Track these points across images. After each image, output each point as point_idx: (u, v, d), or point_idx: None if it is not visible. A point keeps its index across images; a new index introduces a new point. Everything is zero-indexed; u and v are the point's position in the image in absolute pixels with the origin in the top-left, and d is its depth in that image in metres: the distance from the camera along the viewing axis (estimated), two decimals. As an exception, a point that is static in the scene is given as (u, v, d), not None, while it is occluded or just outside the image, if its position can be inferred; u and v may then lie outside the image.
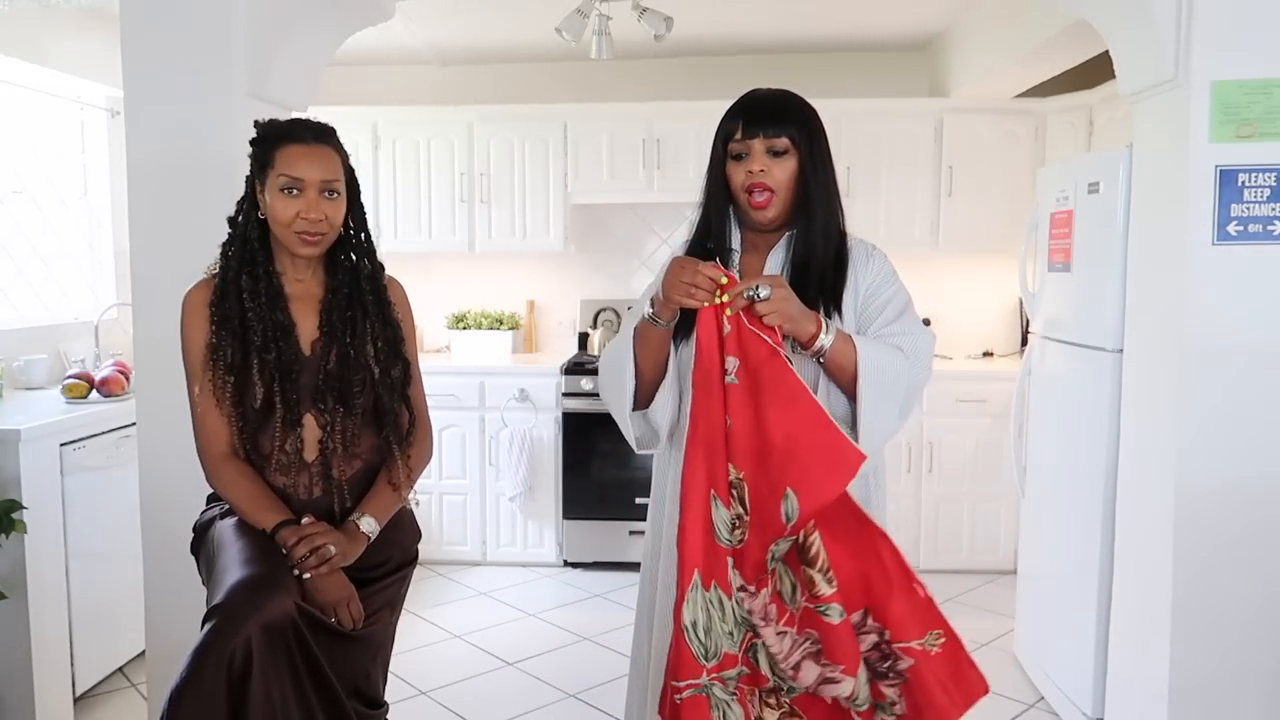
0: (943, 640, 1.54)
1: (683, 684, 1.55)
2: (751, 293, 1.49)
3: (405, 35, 4.35)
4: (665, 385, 1.67)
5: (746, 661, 1.58)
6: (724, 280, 1.52)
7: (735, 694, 1.57)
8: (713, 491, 1.54)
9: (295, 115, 1.86)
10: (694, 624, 1.54)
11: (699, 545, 1.53)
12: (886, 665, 1.54)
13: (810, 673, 1.54)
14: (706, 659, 1.55)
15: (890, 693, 1.54)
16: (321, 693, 1.60)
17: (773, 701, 1.59)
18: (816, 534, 1.52)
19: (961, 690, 1.54)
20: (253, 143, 1.79)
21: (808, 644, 1.54)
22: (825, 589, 1.51)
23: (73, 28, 3.65)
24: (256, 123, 1.80)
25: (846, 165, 4.27)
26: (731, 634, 1.55)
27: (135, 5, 2.42)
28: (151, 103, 2.43)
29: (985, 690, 1.57)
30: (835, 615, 1.51)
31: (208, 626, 1.51)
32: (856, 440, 1.57)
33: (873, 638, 1.54)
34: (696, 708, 1.56)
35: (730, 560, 1.55)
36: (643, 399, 1.70)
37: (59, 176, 3.85)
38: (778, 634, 1.54)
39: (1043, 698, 3.04)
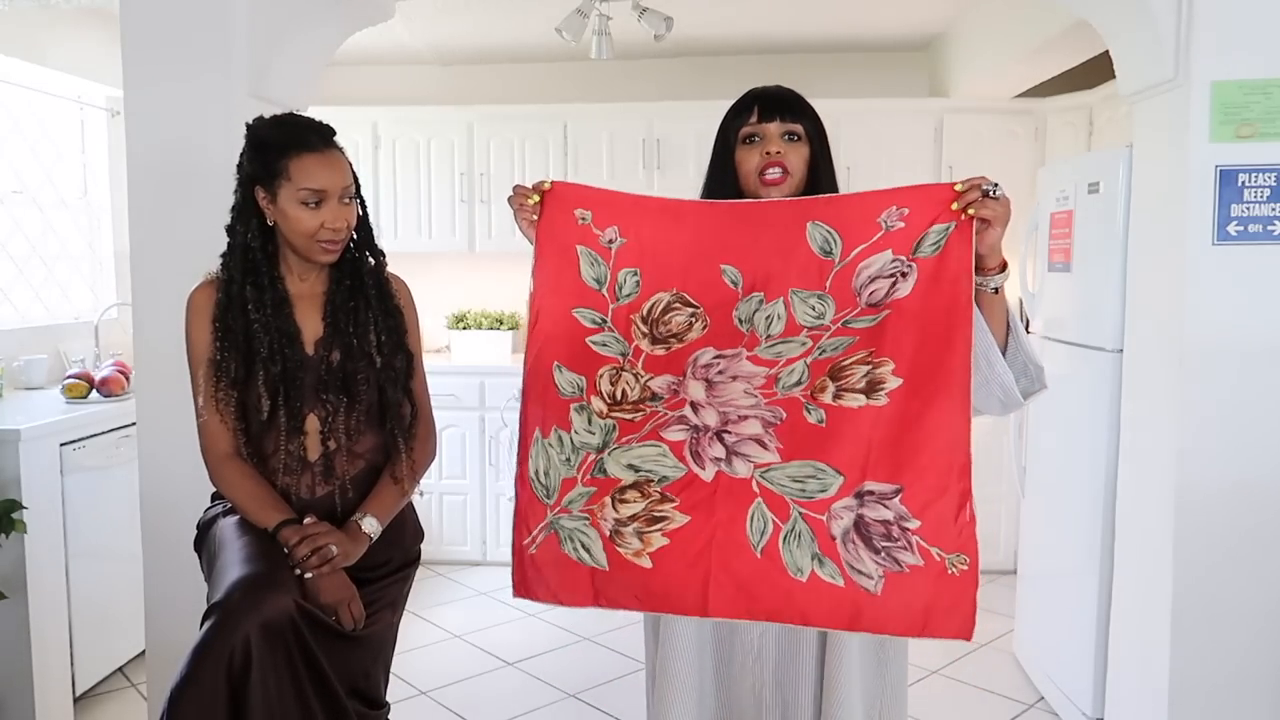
0: (965, 568, 1.45)
1: (534, 531, 1.59)
2: (988, 189, 1.45)
3: (405, 35, 4.35)
4: None
5: (592, 481, 1.57)
6: (547, 185, 1.60)
7: (586, 516, 1.56)
8: (556, 362, 1.60)
9: (287, 111, 1.82)
10: (536, 472, 1.59)
11: (538, 409, 1.60)
12: (886, 545, 1.46)
13: (751, 427, 1.52)
14: (549, 497, 1.59)
15: (871, 566, 1.46)
16: (321, 692, 1.60)
17: (632, 495, 1.54)
18: (865, 368, 1.49)
19: (947, 625, 1.46)
20: (254, 148, 1.74)
21: (771, 415, 1.52)
22: (826, 398, 1.50)
23: (73, 28, 3.65)
24: (252, 125, 1.76)
25: (846, 165, 4.26)
26: (568, 460, 1.58)
27: (135, 5, 2.42)
28: (151, 103, 2.42)
29: (969, 637, 1.46)
30: (815, 416, 1.50)
31: (207, 624, 1.52)
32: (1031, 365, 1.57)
33: (888, 515, 1.46)
34: (547, 549, 1.58)
35: (574, 405, 1.58)
36: None
37: (59, 176, 3.85)
38: (746, 393, 1.53)
39: (1043, 698, 3.04)
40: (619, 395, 1.58)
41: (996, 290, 1.52)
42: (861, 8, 4.03)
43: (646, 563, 1.52)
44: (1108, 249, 2.64)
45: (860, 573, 1.47)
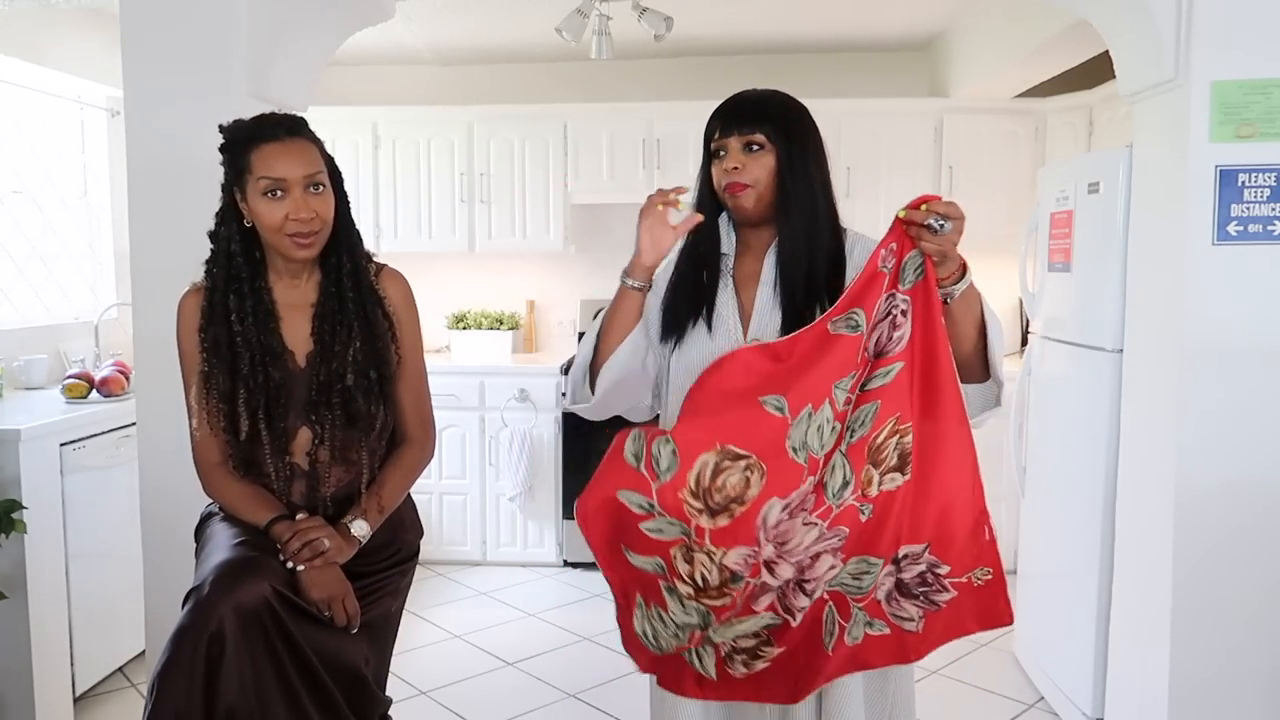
0: (989, 577, 1.57)
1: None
2: (934, 223, 1.44)
3: (405, 35, 4.35)
4: (628, 339, 1.70)
5: (704, 644, 1.57)
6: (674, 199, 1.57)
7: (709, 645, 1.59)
8: (623, 546, 1.55)
9: (265, 111, 1.78)
10: (644, 632, 1.58)
11: (628, 573, 1.56)
12: (923, 590, 1.55)
13: (824, 564, 1.52)
14: (661, 651, 1.59)
15: (912, 610, 1.55)
16: (306, 677, 1.61)
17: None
18: (895, 440, 1.50)
19: (985, 619, 1.58)
20: (223, 149, 1.72)
21: (835, 539, 1.51)
22: (874, 491, 1.51)
23: (73, 28, 3.65)
24: (222, 127, 1.73)
25: (846, 165, 4.27)
26: (677, 635, 1.56)
27: (135, 5, 2.42)
28: (151, 103, 2.42)
29: (1010, 622, 1.59)
30: (865, 513, 1.52)
31: (184, 610, 1.55)
32: (988, 372, 1.65)
33: (922, 567, 1.55)
34: (667, 658, 1.59)
35: (663, 585, 1.54)
36: (599, 362, 1.73)
37: (59, 176, 3.85)
38: (805, 524, 1.50)
39: (1043, 698, 3.04)
40: (700, 580, 1.52)
41: (948, 299, 1.53)
42: (861, 8, 4.04)
43: (744, 673, 1.58)
44: (1108, 249, 2.64)
45: (903, 619, 1.56)
